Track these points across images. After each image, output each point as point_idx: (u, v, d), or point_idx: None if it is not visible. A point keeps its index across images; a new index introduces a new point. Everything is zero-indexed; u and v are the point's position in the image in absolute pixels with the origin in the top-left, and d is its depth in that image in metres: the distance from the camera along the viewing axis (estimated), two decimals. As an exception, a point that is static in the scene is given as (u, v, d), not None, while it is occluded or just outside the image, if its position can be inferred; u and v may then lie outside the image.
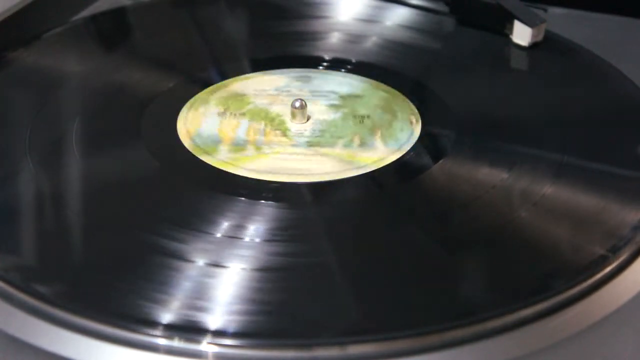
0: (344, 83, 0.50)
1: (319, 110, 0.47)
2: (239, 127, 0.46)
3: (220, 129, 0.46)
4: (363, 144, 0.44)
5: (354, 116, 0.46)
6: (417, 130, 0.44)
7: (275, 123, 0.46)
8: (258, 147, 0.44)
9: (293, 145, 0.44)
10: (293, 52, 0.53)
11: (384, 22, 0.56)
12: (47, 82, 0.49)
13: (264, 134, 0.45)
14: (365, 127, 0.45)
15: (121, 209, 0.39)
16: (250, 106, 0.48)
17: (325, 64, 0.52)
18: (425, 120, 0.46)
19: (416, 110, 0.47)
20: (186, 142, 0.44)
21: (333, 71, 0.51)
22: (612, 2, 0.58)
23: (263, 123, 0.46)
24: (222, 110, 0.47)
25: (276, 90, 0.49)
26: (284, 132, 0.45)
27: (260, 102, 0.48)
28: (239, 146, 0.44)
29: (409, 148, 0.43)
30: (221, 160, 0.43)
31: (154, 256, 0.36)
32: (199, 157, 0.43)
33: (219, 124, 0.46)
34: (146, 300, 0.33)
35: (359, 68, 0.51)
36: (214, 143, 0.44)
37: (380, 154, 0.43)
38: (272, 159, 0.43)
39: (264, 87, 0.50)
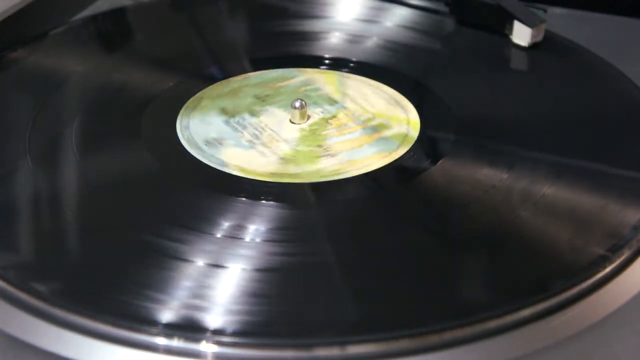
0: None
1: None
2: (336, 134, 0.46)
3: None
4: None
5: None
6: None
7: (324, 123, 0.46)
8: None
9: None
10: (293, 52, 0.53)
11: (384, 23, 0.56)
12: (48, 82, 0.49)
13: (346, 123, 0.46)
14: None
15: (121, 208, 0.39)
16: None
17: (325, 63, 0.52)
18: (425, 120, 0.46)
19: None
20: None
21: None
22: (612, 2, 0.58)
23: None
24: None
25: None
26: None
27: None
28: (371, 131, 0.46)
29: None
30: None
31: (154, 256, 0.36)
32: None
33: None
34: (146, 299, 0.33)
35: (359, 68, 0.51)
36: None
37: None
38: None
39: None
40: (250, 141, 0.44)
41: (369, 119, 0.46)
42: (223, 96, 0.48)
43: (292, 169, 0.42)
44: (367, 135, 0.45)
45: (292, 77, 0.50)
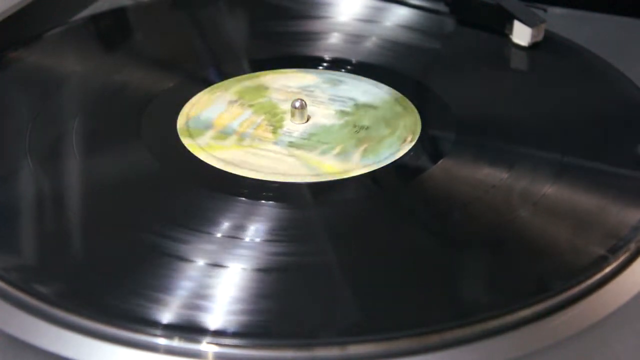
0: (369, 92, 0.49)
1: (325, 114, 0.47)
2: (237, 117, 0.46)
3: (220, 116, 0.46)
4: (341, 154, 0.43)
5: (354, 125, 0.46)
6: (406, 148, 0.43)
7: (274, 119, 0.46)
8: (240, 139, 0.44)
9: (274, 143, 0.44)
10: (293, 52, 0.53)
11: (384, 22, 0.56)
12: (47, 82, 0.49)
13: (256, 127, 0.45)
14: (355, 138, 0.44)
15: (121, 209, 0.39)
16: (263, 99, 0.48)
17: (325, 64, 0.52)
18: (425, 120, 0.46)
19: (419, 128, 0.45)
20: (180, 123, 0.45)
21: (365, 78, 0.50)
22: (612, 2, 0.58)
23: (263, 117, 0.46)
24: (234, 98, 0.48)
25: (300, 88, 0.49)
26: (275, 130, 0.45)
27: (276, 97, 0.48)
28: (224, 134, 0.45)
29: (383, 165, 0.42)
30: (199, 145, 0.43)
31: (154, 256, 0.36)
32: (182, 139, 0.44)
33: (222, 112, 0.47)
34: (146, 300, 0.33)
35: (359, 68, 0.51)
36: (204, 128, 0.45)
37: (347, 167, 0.42)
38: (244, 152, 0.43)
39: (291, 83, 0.50)
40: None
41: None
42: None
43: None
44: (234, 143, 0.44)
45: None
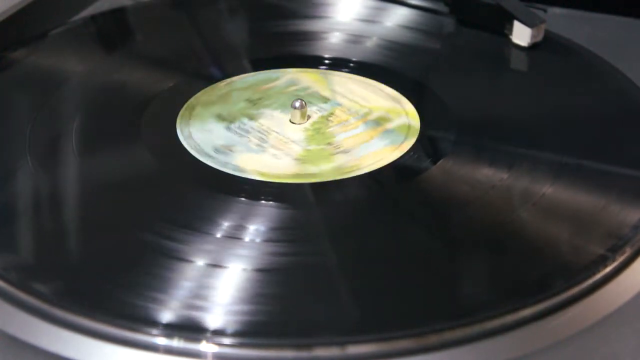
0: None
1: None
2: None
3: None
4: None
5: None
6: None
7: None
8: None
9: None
10: (293, 52, 0.53)
11: (384, 23, 0.56)
12: (48, 82, 0.49)
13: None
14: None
15: (121, 208, 0.39)
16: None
17: (325, 63, 0.52)
18: (425, 120, 0.46)
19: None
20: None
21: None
22: (612, 2, 0.58)
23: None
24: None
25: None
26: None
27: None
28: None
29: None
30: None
31: (154, 256, 0.36)
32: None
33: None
34: (146, 300, 0.33)
35: (359, 68, 0.51)
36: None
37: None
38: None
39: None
40: (259, 145, 0.44)
41: (367, 113, 0.47)
42: (214, 102, 0.48)
43: (310, 168, 0.42)
44: (371, 129, 0.45)
45: (276, 79, 0.50)
